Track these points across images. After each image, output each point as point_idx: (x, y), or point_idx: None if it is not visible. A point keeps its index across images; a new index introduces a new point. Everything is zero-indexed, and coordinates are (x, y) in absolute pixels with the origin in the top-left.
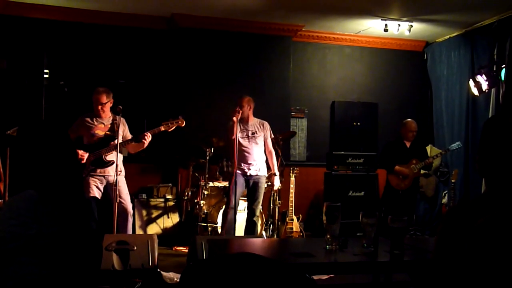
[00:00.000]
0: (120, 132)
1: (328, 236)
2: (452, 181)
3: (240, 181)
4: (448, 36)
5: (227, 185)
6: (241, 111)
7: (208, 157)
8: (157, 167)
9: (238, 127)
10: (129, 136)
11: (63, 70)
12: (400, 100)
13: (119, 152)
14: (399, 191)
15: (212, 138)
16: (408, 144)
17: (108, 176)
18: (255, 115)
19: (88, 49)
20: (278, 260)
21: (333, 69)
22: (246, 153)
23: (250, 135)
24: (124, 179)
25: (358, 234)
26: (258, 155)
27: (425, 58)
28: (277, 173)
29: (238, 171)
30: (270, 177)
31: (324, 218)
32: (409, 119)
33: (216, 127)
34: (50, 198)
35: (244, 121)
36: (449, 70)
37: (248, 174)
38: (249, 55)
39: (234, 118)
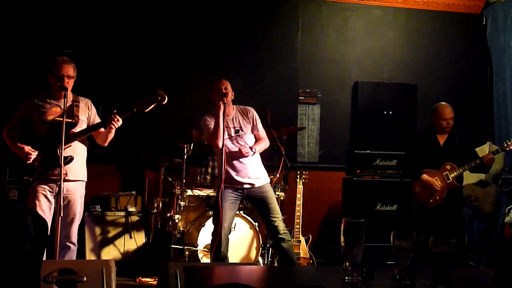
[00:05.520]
0: (83, 118)
1: (347, 264)
2: None
3: (231, 196)
4: None
5: (213, 194)
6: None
7: (185, 156)
8: (116, 169)
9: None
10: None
11: None
12: (447, 81)
13: (81, 144)
14: (427, 208)
15: (191, 130)
16: (441, 140)
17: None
18: (247, 102)
19: (21, 10)
20: None
21: (357, 38)
22: (235, 161)
23: (233, 134)
24: (83, 189)
25: (388, 262)
26: (253, 159)
27: (484, 23)
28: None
29: (226, 185)
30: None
31: (342, 239)
32: (443, 102)
33: (196, 116)
34: None
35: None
36: None
37: (244, 186)
38: (241, 20)
39: (221, 103)
